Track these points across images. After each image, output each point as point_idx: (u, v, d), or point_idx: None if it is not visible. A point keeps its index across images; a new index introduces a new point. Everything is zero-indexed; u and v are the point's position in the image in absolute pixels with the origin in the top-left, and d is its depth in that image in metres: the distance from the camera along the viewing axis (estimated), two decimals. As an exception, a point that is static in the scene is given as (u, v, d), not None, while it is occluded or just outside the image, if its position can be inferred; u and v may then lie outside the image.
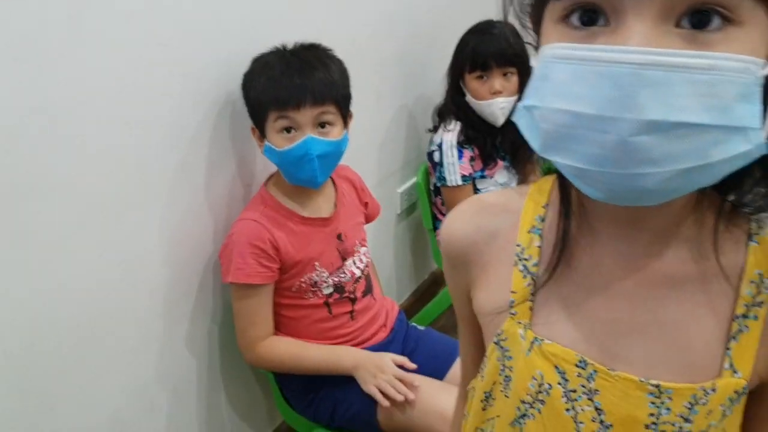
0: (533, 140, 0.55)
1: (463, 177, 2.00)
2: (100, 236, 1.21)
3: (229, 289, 1.44)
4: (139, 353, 1.35)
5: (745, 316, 0.59)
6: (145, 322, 1.35)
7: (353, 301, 1.53)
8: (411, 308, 2.37)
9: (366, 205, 1.65)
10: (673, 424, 0.59)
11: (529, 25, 0.59)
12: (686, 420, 0.59)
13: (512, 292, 0.66)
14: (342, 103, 1.39)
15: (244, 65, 1.40)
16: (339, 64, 1.41)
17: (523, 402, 0.66)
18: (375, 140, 2.07)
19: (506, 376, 0.68)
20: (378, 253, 1.87)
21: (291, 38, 1.42)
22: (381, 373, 1.41)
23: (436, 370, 1.54)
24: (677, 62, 0.47)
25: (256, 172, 1.57)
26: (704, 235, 0.59)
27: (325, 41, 1.44)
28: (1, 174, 1.03)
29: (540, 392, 0.64)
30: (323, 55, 1.39)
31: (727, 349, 0.59)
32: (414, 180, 2.25)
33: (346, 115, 1.42)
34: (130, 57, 1.19)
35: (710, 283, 0.59)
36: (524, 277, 0.66)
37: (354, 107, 1.46)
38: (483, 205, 0.73)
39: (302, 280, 1.45)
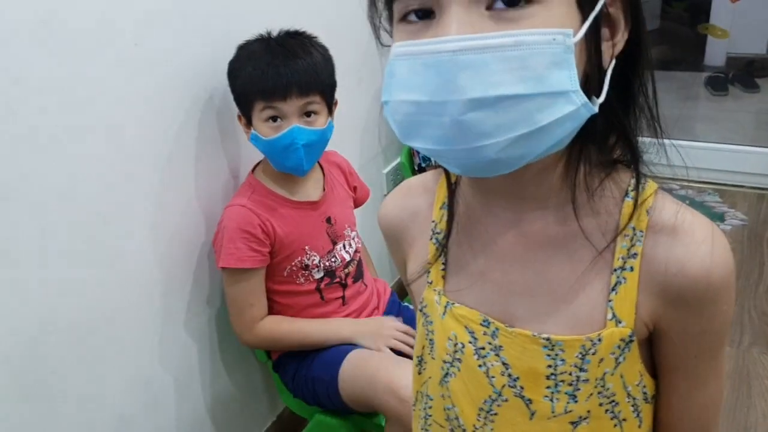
0: (395, 131, 0.61)
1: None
2: (90, 237, 1.21)
3: (222, 276, 1.46)
4: (138, 349, 1.36)
5: (622, 269, 0.63)
6: (142, 318, 1.36)
7: (344, 286, 1.55)
8: (404, 288, 2.37)
9: (355, 189, 1.66)
10: (570, 374, 0.65)
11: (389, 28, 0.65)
12: (581, 369, 0.64)
13: (428, 263, 0.73)
14: (327, 92, 1.40)
15: (223, 57, 1.40)
16: (324, 51, 1.42)
17: (444, 362, 0.72)
18: (357, 123, 2.07)
19: (430, 340, 0.74)
20: (368, 235, 1.88)
21: (265, 26, 1.41)
22: (386, 330, 1.46)
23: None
24: (486, 44, 0.52)
25: (242, 162, 1.57)
26: (581, 198, 0.64)
27: (299, 27, 1.44)
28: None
29: (456, 351, 0.70)
30: (308, 43, 1.39)
31: (609, 300, 0.64)
32: (398, 160, 2.26)
33: (331, 104, 1.43)
34: (105, 59, 1.19)
35: (591, 240, 0.64)
36: (437, 249, 0.73)
37: (336, 92, 1.46)
38: (408, 187, 0.80)
39: (293, 263, 1.47)
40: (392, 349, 1.46)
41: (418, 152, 2.07)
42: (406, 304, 1.71)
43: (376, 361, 1.41)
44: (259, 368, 1.72)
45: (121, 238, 1.28)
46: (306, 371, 1.48)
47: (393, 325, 1.50)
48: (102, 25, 1.17)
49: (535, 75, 0.53)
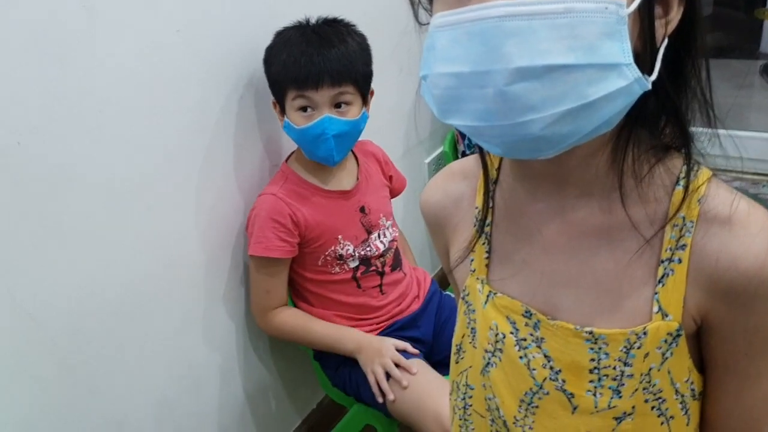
0: (432, 108, 0.58)
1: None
2: (135, 222, 1.23)
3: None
4: (181, 335, 1.39)
5: (670, 260, 0.60)
6: (185, 304, 1.39)
7: (381, 274, 1.54)
8: (445, 277, 2.36)
9: (390, 178, 1.65)
10: (614, 368, 0.62)
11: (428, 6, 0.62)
12: (626, 364, 0.62)
13: (471, 250, 0.71)
14: (361, 82, 1.39)
15: (264, 44, 1.40)
16: (361, 40, 1.40)
17: (486, 351, 0.71)
18: (400, 112, 2.06)
19: (472, 328, 0.73)
20: (409, 225, 1.87)
21: (303, 12, 1.41)
22: (379, 357, 1.41)
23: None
24: (535, 10, 0.49)
25: (283, 148, 1.58)
26: (629, 185, 0.61)
27: (337, 14, 1.43)
28: (31, 167, 1.05)
29: (497, 341, 0.69)
30: (344, 32, 1.38)
31: (655, 293, 0.61)
32: (441, 149, 2.24)
33: (365, 94, 1.42)
34: (147, 45, 1.20)
35: (638, 230, 0.61)
36: (477, 235, 0.71)
37: (376, 80, 1.45)
38: (451, 172, 0.78)
39: (327, 253, 1.47)
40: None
41: (463, 139, 2.04)
42: (447, 293, 1.70)
43: (424, 385, 1.39)
44: (300, 355, 1.73)
45: (164, 223, 1.30)
46: (350, 370, 1.48)
47: (392, 354, 1.42)
48: (143, 10, 1.18)
49: (586, 45, 0.50)
